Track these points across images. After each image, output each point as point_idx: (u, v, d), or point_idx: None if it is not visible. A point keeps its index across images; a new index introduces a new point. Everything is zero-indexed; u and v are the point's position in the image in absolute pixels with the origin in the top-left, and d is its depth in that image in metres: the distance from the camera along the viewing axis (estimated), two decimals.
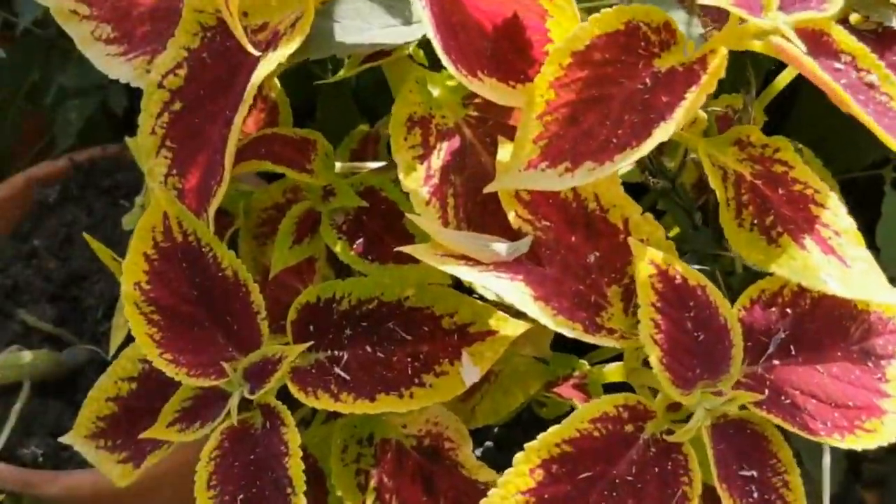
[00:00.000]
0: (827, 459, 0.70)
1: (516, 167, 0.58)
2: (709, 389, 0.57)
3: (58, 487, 0.86)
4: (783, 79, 0.73)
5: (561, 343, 0.74)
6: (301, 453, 0.61)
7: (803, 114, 0.93)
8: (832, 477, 0.72)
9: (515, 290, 0.58)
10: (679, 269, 0.58)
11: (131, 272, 0.67)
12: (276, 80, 0.81)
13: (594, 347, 0.75)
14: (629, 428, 0.57)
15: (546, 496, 0.55)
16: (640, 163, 0.74)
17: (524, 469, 0.55)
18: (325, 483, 0.73)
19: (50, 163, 1.12)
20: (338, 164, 0.76)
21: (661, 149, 0.81)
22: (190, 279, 0.68)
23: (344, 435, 0.71)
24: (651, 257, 0.58)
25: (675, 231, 0.77)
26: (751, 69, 0.74)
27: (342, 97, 0.99)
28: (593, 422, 0.57)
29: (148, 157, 0.69)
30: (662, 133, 0.55)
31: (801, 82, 0.83)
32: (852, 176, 0.90)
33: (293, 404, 0.66)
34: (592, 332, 0.58)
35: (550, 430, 0.55)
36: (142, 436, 0.68)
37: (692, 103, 0.56)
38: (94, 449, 0.75)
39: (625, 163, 0.55)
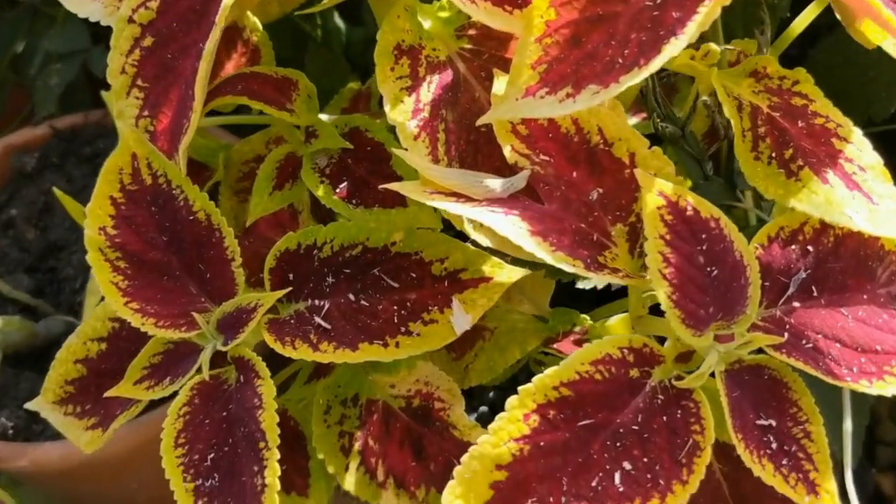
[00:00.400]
0: (848, 424, 0.65)
1: (513, 96, 0.53)
2: (723, 331, 0.52)
3: (26, 460, 0.81)
4: (800, 23, 0.69)
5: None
6: (275, 405, 0.56)
7: (819, 67, 0.88)
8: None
9: (510, 224, 0.53)
10: (690, 199, 0.53)
11: (95, 216, 0.63)
12: (259, 23, 0.76)
13: (595, 307, 0.71)
14: (634, 373, 0.52)
15: (542, 444, 0.49)
16: (649, 107, 0.69)
17: (518, 414, 0.50)
18: (305, 448, 0.68)
19: (29, 130, 1.07)
20: (325, 117, 0.71)
21: (670, 97, 0.76)
22: (159, 224, 0.63)
23: (327, 395, 0.66)
24: (660, 188, 0.52)
25: (687, 183, 0.72)
26: (766, 10, 0.70)
27: (332, 53, 0.94)
28: (595, 364, 0.51)
29: (118, 98, 0.65)
30: (673, 48, 0.50)
31: (816, 35, 0.79)
32: (873, 130, 0.86)
33: (274, 367, 0.61)
34: (594, 270, 0.53)
35: (547, 371, 0.50)
36: (108, 394, 0.63)
37: (706, 17, 0.50)
38: (62, 416, 0.70)
39: (631, 82, 0.50)
